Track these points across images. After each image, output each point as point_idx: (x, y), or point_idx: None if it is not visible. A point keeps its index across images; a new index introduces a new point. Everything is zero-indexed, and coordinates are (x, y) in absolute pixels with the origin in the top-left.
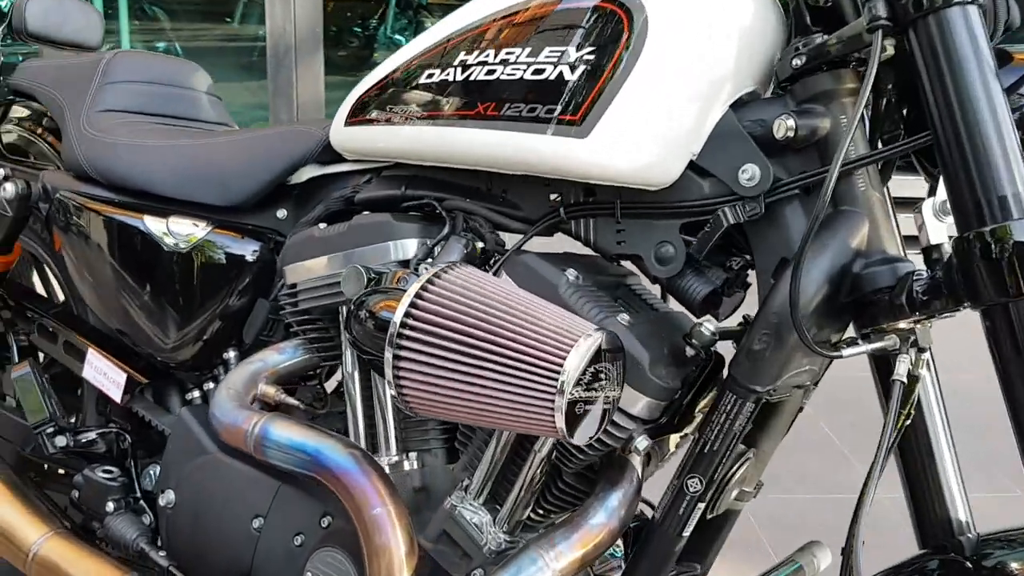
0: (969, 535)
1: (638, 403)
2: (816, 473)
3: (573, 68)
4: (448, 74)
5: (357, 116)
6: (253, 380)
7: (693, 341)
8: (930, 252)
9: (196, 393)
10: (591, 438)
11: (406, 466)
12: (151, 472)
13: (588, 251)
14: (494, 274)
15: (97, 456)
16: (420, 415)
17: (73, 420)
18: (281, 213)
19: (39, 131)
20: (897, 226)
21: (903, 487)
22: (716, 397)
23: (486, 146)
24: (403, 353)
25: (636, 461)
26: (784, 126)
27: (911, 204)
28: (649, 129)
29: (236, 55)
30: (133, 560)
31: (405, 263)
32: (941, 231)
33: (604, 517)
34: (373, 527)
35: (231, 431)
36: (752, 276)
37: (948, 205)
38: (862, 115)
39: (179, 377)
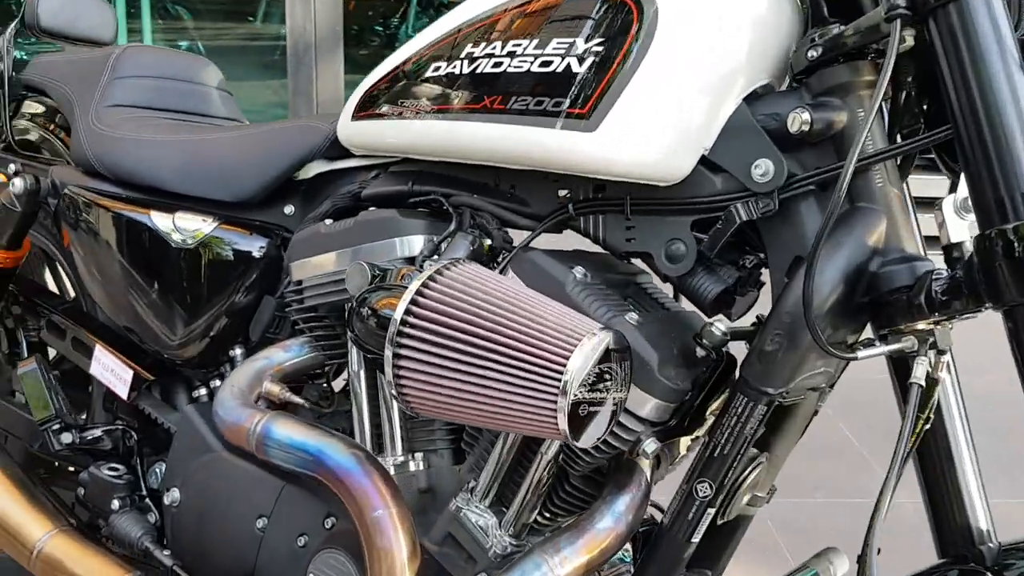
0: (990, 544)
1: (646, 405)
2: (835, 477)
3: (581, 60)
4: (455, 67)
5: (364, 110)
6: (258, 378)
7: (704, 341)
8: (951, 250)
9: (203, 391)
10: (597, 440)
11: (411, 467)
12: (157, 470)
13: (598, 249)
14: (501, 271)
15: (103, 453)
16: (421, 415)
17: (83, 417)
18: (288, 209)
19: (51, 126)
20: (917, 224)
21: (922, 494)
22: (727, 399)
23: (491, 140)
24: (403, 351)
25: (645, 464)
26: (799, 120)
27: (932, 204)
28: (659, 123)
29: (258, 54)
30: (137, 558)
31: (411, 260)
32: (962, 228)
33: (611, 521)
34: (375, 529)
35: (234, 429)
36: (766, 275)
37: (969, 202)
38: (880, 108)
39: (186, 374)
